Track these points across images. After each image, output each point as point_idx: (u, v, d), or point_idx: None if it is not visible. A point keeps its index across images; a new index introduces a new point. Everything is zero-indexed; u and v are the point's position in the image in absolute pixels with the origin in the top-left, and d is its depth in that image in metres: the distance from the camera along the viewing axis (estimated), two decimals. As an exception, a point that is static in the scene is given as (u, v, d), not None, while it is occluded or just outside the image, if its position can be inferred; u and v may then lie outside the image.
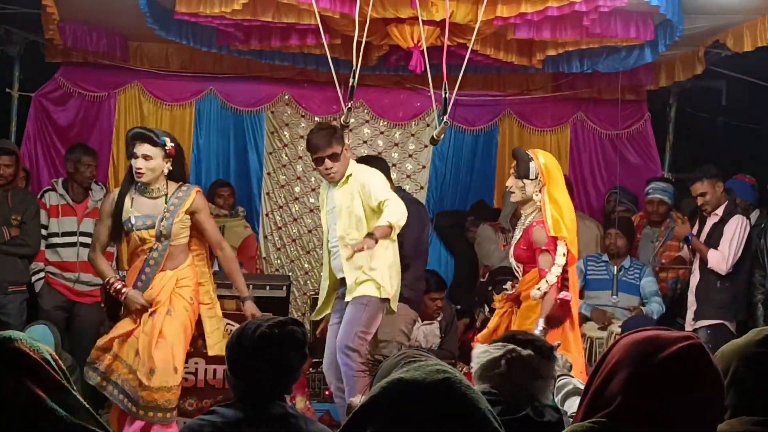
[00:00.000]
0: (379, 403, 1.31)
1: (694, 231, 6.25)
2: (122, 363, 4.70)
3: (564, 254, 4.68)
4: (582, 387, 2.97)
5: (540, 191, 4.80)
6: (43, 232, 6.31)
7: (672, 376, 1.69)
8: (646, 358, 1.72)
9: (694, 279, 6.18)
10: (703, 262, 6.09)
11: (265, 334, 2.67)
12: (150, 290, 4.77)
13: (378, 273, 4.99)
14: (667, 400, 1.69)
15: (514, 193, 4.88)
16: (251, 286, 5.68)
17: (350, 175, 5.09)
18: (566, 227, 4.72)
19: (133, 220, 4.78)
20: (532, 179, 4.80)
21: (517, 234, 4.96)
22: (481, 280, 6.86)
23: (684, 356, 1.71)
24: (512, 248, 4.96)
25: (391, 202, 4.88)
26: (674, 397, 1.69)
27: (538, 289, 4.63)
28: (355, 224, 5.02)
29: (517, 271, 4.97)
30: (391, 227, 4.79)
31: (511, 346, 2.64)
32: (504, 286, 5.17)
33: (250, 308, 4.93)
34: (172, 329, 4.71)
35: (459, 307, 6.93)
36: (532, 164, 4.80)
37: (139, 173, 4.75)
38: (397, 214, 4.82)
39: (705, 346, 1.76)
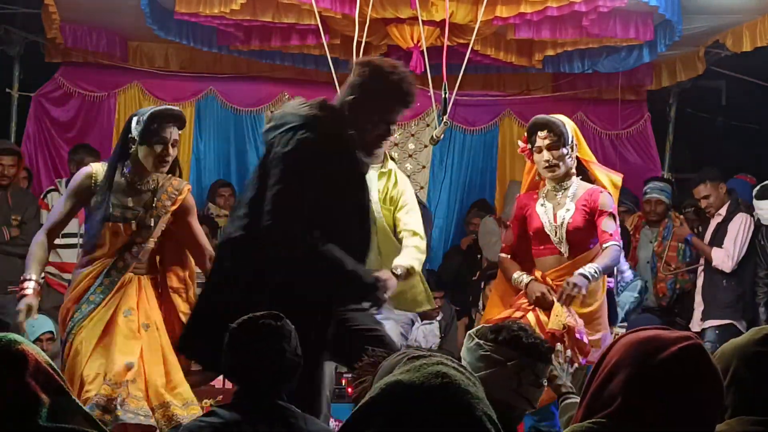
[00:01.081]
0: (377, 404, 1.32)
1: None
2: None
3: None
4: None
5: (575, 157, 4.26)
6: (44, 232, 6.30)
7: (671, 377, 1.69)
8: (645, 359, 1.72)
9: (700, 279, 6.19)
10: (708, 262, 6.10)
11: (234, 331, 2.67)
12: (127, 298, 3.97)
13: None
14: (666, 401, 1.69)
15: (557, 166, 4.18)
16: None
17: (393, 171, 4.46)
18: None
19: (110, 209, 3.91)
20: (570, 145, 4.21)
21: (564, 209, 4.28)
22: (473, 278, 6.86)
23: (683, 357, 1.71)
24: (564, 225, 4.26)
25: (420, 240, 4.24)
26: (674, 397, 1.69)
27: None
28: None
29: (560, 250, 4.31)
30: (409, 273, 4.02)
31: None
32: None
33: None
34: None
35: (458, 308, 6.94)
36: (568, 128, 4.22)
37: (166, 162, 3.94)
38: (420, 258, 4.17)
39: (704, 346, 1.76)
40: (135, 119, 3.96)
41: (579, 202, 4.23)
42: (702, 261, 6.25)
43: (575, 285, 3.97)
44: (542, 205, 4.33)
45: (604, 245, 4.16)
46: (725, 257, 5.99)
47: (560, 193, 4.29)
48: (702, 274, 6.20)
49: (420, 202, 6.01)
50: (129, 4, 5.71)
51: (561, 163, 4.18)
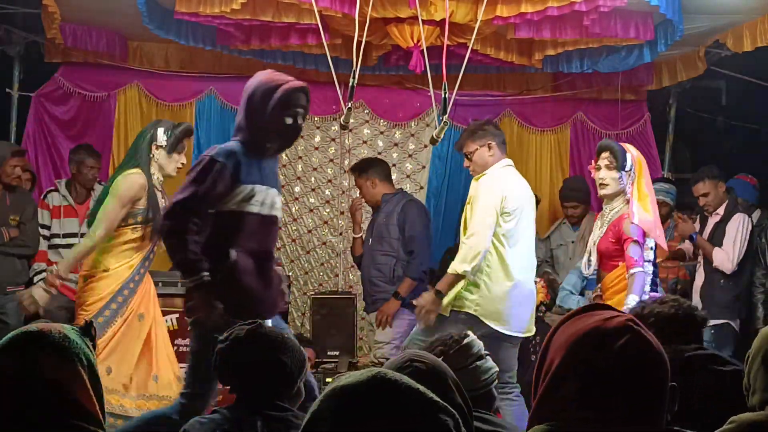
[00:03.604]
0: (321, 412, 1.35)
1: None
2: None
3: (652, 248, 4.68)
4: None
5: (632, 184, 4.69)
6: (46, 233, 6.31)
7: (618, 375, 1.69)
8: (590, 361, 1.70)
9: (699, 279, 6.20)
10: (707, 262, 6.10)
11: (232, 342, 2.71)
12: (144, 295, 4.68)
13: None
14: (617, 401, 1.68)
15: (608, 185, 4.72)
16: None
17: (482, 177, 4.95)
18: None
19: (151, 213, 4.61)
20: (627, 171, 4.69)
21: (599, 228, 4.83)
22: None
23: (627, 354, 1.70)
24: (596, 243, 4.80)
25: (470, 240, 4.73)
26: (624, 395, 1.68)
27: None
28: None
29: (588, 265, 4.89)
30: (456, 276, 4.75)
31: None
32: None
33: None
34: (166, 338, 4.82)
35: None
36: (628, 156, 4.71)
37: (180, 169, 4.75)
38: (464, 261, 4.71)
39: (642, 333, 1.73)
40: (161, 129, 4.57)
41: (611, 226, 4.67)
42: (700, 259, 6.25)
43: None
44: (597, 221, 4.87)
45: (630, 271, 4.53)
46: (726, 258, 6.00)
47: (606, 213, 4.78)
48: (701, 273, 6.20)
49: (418, 201, 6.08)
50: (129, 3, 5.70)
51: (612, 183, 4.68)
